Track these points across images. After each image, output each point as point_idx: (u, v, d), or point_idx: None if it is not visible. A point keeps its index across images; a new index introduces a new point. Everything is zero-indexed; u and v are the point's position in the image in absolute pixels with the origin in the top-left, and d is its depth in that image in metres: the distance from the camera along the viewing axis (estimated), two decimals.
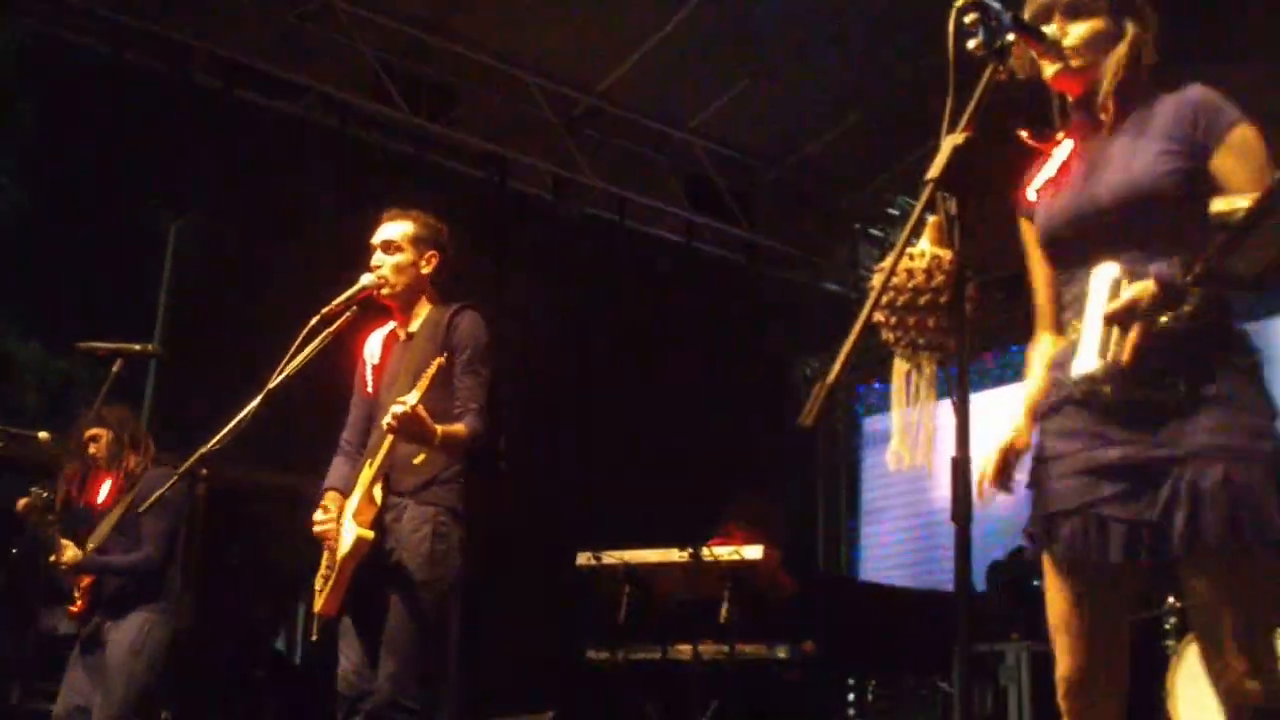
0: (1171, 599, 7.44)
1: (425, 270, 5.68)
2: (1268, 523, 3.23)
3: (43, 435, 7.44)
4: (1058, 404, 3.56)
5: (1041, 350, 3.76)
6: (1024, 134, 3.65)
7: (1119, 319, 3.28)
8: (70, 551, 7.10)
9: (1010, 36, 3.19)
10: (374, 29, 11.03)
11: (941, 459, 3.04)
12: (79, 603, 7.23)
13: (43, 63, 10.17)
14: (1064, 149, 3.68)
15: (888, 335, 3.30)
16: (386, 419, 5.07)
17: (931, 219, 3.24)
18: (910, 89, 8.94)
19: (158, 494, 5.86)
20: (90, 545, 7.19)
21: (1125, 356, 3.27)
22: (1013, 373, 12.37)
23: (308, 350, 5.33)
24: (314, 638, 5.51)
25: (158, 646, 7.06)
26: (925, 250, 3.26)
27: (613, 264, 12.57)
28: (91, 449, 7.34)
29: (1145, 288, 3.25)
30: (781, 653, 8.20)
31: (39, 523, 7.14)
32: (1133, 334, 3.27)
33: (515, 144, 11.96)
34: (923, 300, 3.23)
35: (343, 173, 11.05)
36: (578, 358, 12.14)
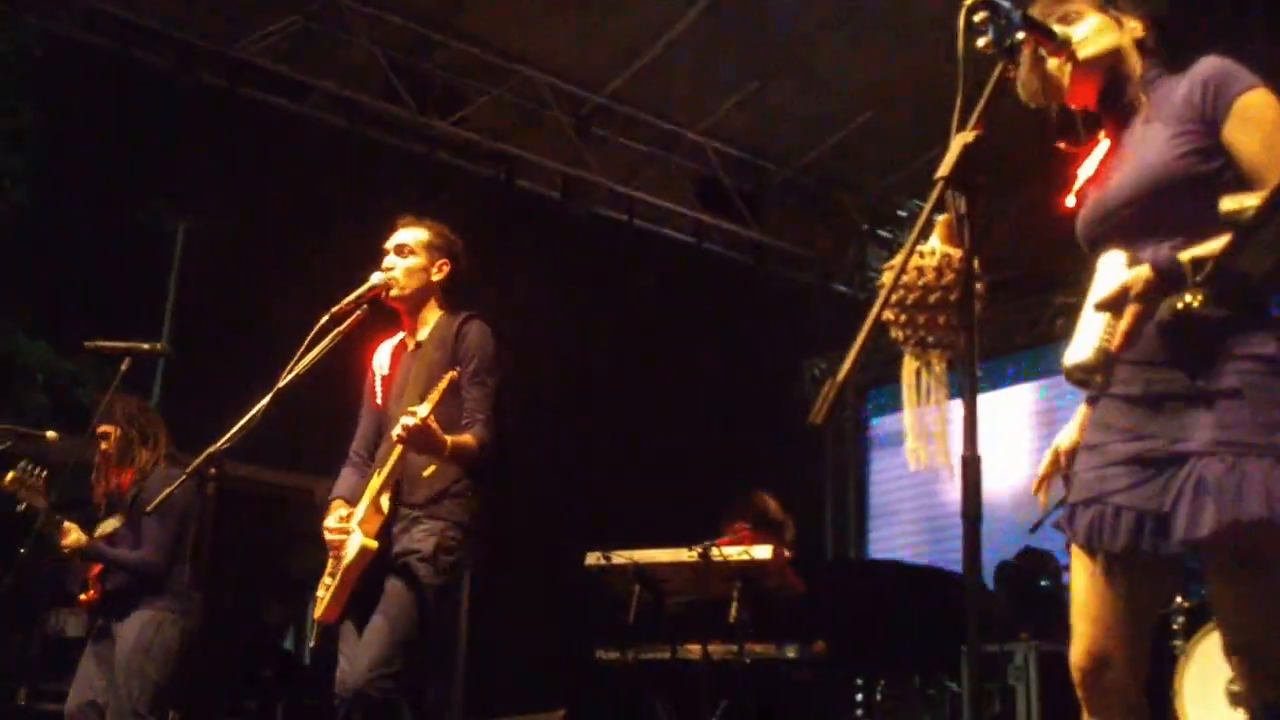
0: (1179, 598, 7.43)
1: (436, 277, 5.70)
2: (1275, 515, 3.20)
3: (50, 434, 7.43)
4: (1096, 395, 3.58)
5: None
6: (1062, 145, 3.66)
7: (1110, 306, 3.27)
8: (74, 535, 7.09)
9: (1020, 34, 3.19)
10: (382, 28, 11.04)
11: (952, 459, 3.04)
12: (90, 591, 7.23)
13: (49, 62, 10.19)
14: (1101, 149, 3.69)
15: (897, 333, 3.30)
16: (396, 430, 5.06)
17: (941, 217, 3.24)
18: (920, 90, 8.95)
19: (163, 495, 5.86)
20: (97, 534, 7.19)
21: (1115, 344, 3.26)
22: (1023, 373, 12.48)
23: (317, 349, 5.32)
24: (313, 644, 5.51)
25: (168, 645, 7.05)
26: (935, 248, 3.26)
27: (621, 264, 12.57)
28: (103, 446, 7.35)
29: (1139, 274, 3.25)
30: (791, 653, 8.19)
31: (29, 499, 7.13)
32: (1124, 321, 3.26)
33: (524, 143, 11.96)
34: (933, 298, 3.23)
35: (351, 172, 11.06)
36: (586, 357, 12.14)
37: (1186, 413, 3.35)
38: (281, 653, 10.88)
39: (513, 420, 5.64)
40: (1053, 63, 3.63)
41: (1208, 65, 3.53)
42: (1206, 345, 3.34)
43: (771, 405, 13.43)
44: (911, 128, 10.80)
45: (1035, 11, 3.58)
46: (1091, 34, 3.61)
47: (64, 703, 7.24)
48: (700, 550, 7.96)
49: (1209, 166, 3.40)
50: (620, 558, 8.25)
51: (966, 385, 2.88)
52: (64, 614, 8.75)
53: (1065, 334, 3.59)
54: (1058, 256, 5.79)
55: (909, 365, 3.33)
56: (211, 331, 10.10)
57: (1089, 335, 3.30)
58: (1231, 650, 3.40)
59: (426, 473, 5.21)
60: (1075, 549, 3.60)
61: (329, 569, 5.38)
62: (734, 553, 7.92)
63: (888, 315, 3.26)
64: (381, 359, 5.79)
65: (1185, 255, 3.11)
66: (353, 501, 5.45)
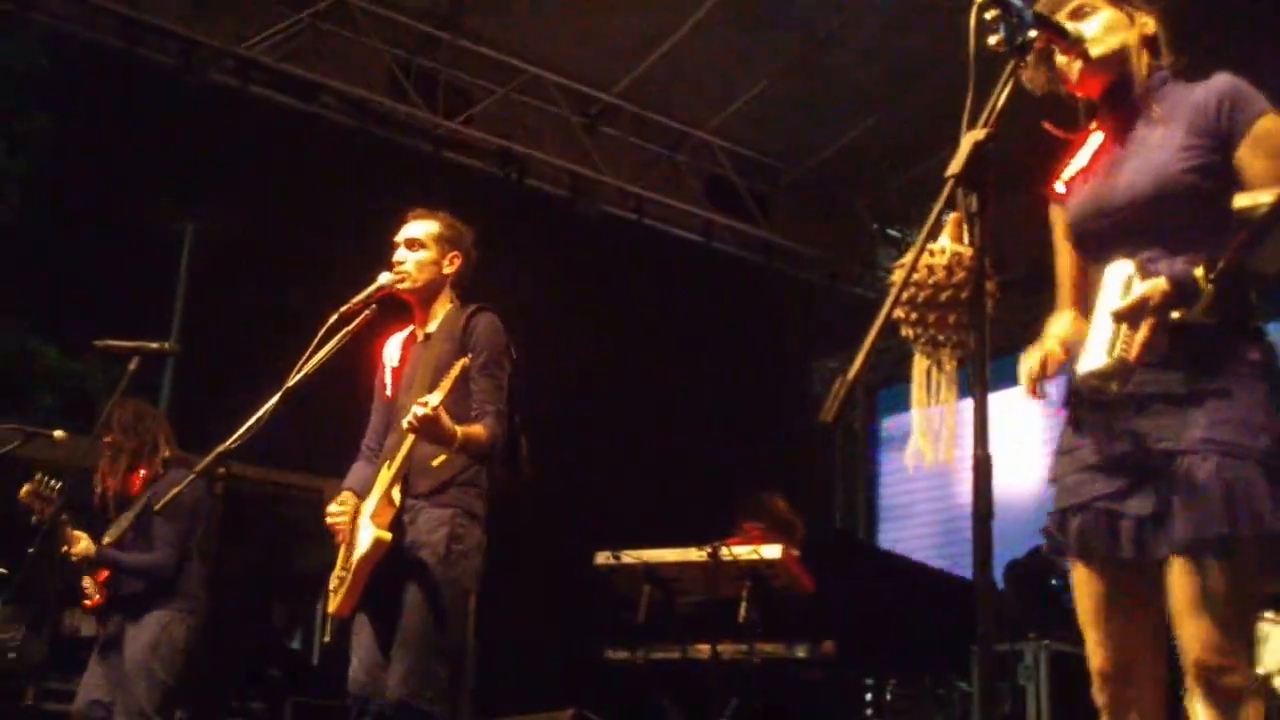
0: None
1: (447, 270, 5.70)
2: (1259, 516, 3.26)
3: (58, 434, 7.42)
4: (1073, 397, 3.57)
5: (1061, 322, 3.78)
6: (1049, 126, 3.65)
7: (1128, 317, 3.27)
8: (83, 544, 7.10)
9: (1032, 33, 3.18)
10: (390, 27, 11.04)
11: (962, 458, 3.03)
12: (95, 598, 7.23)
13: (58, 61, 10.19)
14: (1094, 140, 3.68)
15: (908, 332, 3.29)
16: (407, 419, 5.06)
17: (952, 215, 3.23)
18: (930, 90, 8.93)
19: (170, 495, 5.86)
20: (106, 540, 7.19)
21: (1133, 354, 3.28)
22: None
23: (326, 349, 5.33)
24: (327, 639, 5.51)
25: (175, 644, 7.05)
26: (946, 247, 3.25)
27: (630, 263, 12.56)
28: (108, 453, 7.35)
29: (1156, 285, 3.27)
30: (800, 652, 8.17)
31: (43, 511, 7.13)
32: (1142, 332, 3.28)
33: (533, 142, 11.95)
34: (943, 297, 3.22)
35: (359, 171, 11.06)
36: (595, 357, 12.12)
37: (1174, 413, 3.39)
38: (289, 652, 10.89)
39: (522, 415, 5.64)
40: (1062, 58, 3.63)
41: (1226, 82, 3.55)
42: (1193, 350, 3.37)
43: (781, 404, 13.43)
44: (921, 126, 10.78)
45: (1050, 2, 3.59)
46: (1102, 32, 3.61)
47: (70, 703, 7.25)
48: (709, 550, 7.94)
49: (1213, 184, 3.42)
50: (629, 557, 8.24)
51: (977, 384, 2.87)
52: (78, 613, 8.75)
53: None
54: None
55: (919, 364, 3.32)
56: (220, 331, 10.11)
57: (1101, 343, 3.30)
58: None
59: (435, 463, 5.19)
60: (1072, 558, 3.62)
61: (340, 562, 5.37)
62: (743, 552, 7.91)
63: (898, 314, 3.25)
64: (391, 351, 5.79)
65: (1200, 271, 3.17)
66: (361, 493, 5.45)
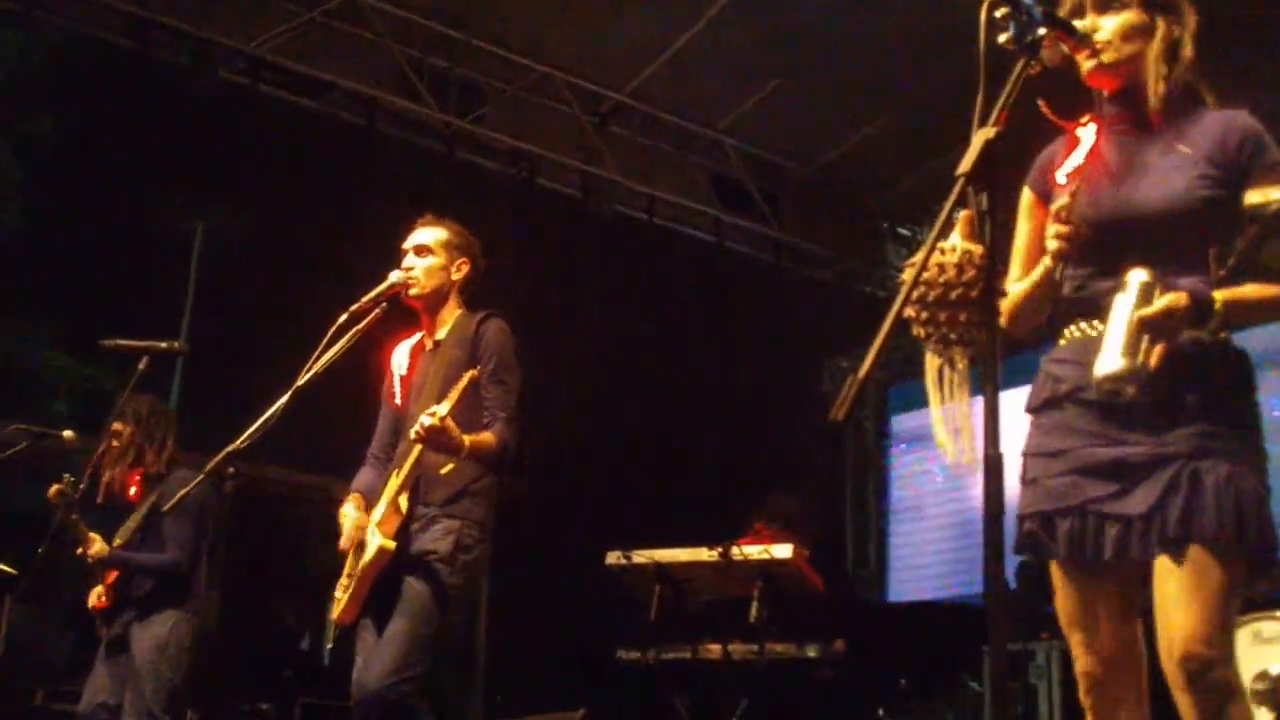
0: None
1: (455, 277, 5.68)
2: (1266, 527, 3.35)
3: (68, 434, 7.44)
4: (1054, 400, 3.59)
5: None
6: (1043, 105, 3.63)
7: (1154, 325, 3.27)
8: (97, 545, 7.11)
9: (1041, 31, 3.17)
10: (402, 25, 11.02)
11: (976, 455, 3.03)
12: (103, 599, 7.24)
13: (67, 60, 10.20)
14: (1088, 133, 3.67)
15: (919, 330, 3.29)
16: (414, 429, 5.05)
17: (963, 213, 3.23)
18: (940, 89, 8.92)
19: (180, 495, 5.87)
20: (116, 542, 7.19)
21: (1154, 362, 3.29)
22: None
23: (336, 348, 5.32)
24: (330, 645, 5.50)
25: (181, 644, 7.05)
26: (956, 245, 3.25)
27: (641, 262, 12.56)
28: (114, 443, 7.34)
29: (1180, 298, 3.29)
30: (812, 652, 8.18)
31: (63, 512, 7.14)
32: (1163, 342, 3.29)
33: (544, 141, 11.93)
34: (954, 295, 3.22)
35: (370, 170, 11.07)
36: (605, 356, 12.12)
37: (1167, 418, 3.42)
38: (299, 653, 10.89)
39: (532, 419, 5.63)
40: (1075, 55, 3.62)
41: (1249, 122, 3.58)
42: (1189, 360, 3.40)
43: (791, 403, 13.42)
44: (932, 125, 10.77)
45: None
46: (1118, 38, 3.58)
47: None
48: (721, 549, 7.95)
49: (1218, 216, 3.43)
50: (641, 557, 8.25)
51: (989, 382, 2.86)
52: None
53: None
54: None
55: (931, 363, 3.32)
56: (229, 330, 10.12)
57: (1117, 347, 3.30)
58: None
59: (444, 471, 5.18)
60: (1054, 562, 3.63)
61: (347, 568, 5.36)
62: (754, 552, 7.92)
63: (909, 312, 3.25)
64: (400, 359, 5.77)
65: (1220, 295, 3.29)
66: (369, 498, 5.44)
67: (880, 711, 9.50)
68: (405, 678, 5.07)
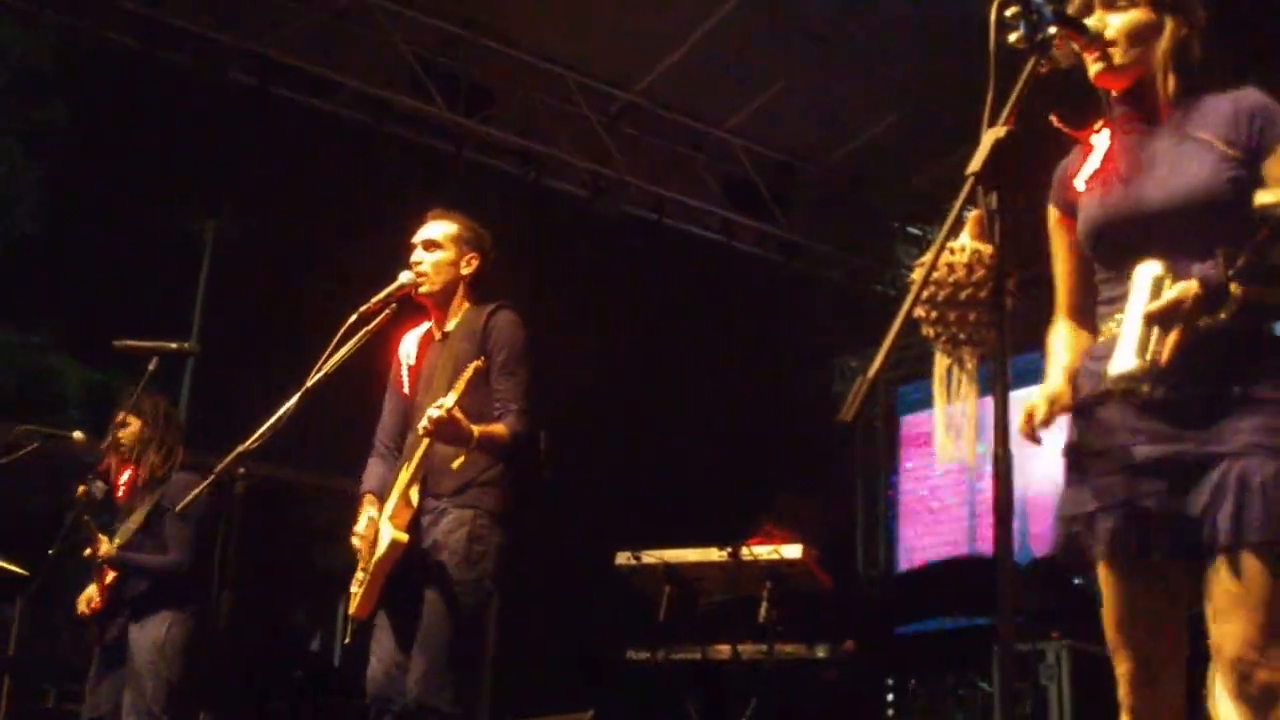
0: None
1: (465, 271, 5.67)
2: None
3: (77, 435, 7.44)
4: (1097, 398, 3.53)
5: (1063, 337, 3.74)
6: (1055, 119, 3.62)
7: (1162, 318, 3.25)
8: (106, 545, 7.11)
9: (1051, 30, 3.16)
10: (411, 26, 11.02)
11: (984, 455, 3.02)
12: (94, 602, 7.24)
13: (76, 61, 10.19)
14: (1102, 139, 3.65)
15: (928, 330, 3.28)
16: (422, 422, 5.05)
17: (972, 213, 3.22)
18: (950, 88, 8.91)
19: (191, 496, 5.87)
20: (116, 542, 7.19)
21: (1165, 356, 3.24)
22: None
23: (346, 349, 5.33)
24: (347, 640, 5.50)
25: (177, 644, 7.05)
26: (966, 245, 3.25)
27: (650, 262, 12.54)
28: (120, 434, 7.32)
29: (1189, 288, 3.23)
30: (821, 652, 8.18)
31: (78, 511, 7.14)
32: (1174, 334, 3.24)
33: (553, 141, 11.93)
34: (963, 295, 3.22)
35: (380, 170, 11.06)
36: (615, 357, 12.10)
37: (1217, 417, 3.33)
38: (310, 653, 10.89)
39: (543, 415, 5.63)
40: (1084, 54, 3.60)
41: (1259, 97, 3.51)
42: (1227, 353, 3.33)
43: (801, 403, 13.41)
44: (942, 124, 10.76)
45: None
46: (1126, 39, 3.55)
47: None
48: (730, 550, 7.95)
49: (1241, 197, 3.38)
50: (650, 557, 8.25)
51: (998, 382, 2.86)
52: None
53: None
54: None
55: (940, 362, 3.31)
56: (240, 331, 10.11)
57: (1131, 345, 3.28)
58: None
59: (455, 463, 5.16)
60: (1099, 562, 3.56)
61: (360, 565, 5.36)
62: (764, 552, 7.91)
63: (919, 312, 3.25)
64: (408, 348, 5.77)
65: (1230, 275, 3.15)
66: (382, 496, 5.44)
67: (889, 712, 9.49)
68: (448, 687, 5.09)
